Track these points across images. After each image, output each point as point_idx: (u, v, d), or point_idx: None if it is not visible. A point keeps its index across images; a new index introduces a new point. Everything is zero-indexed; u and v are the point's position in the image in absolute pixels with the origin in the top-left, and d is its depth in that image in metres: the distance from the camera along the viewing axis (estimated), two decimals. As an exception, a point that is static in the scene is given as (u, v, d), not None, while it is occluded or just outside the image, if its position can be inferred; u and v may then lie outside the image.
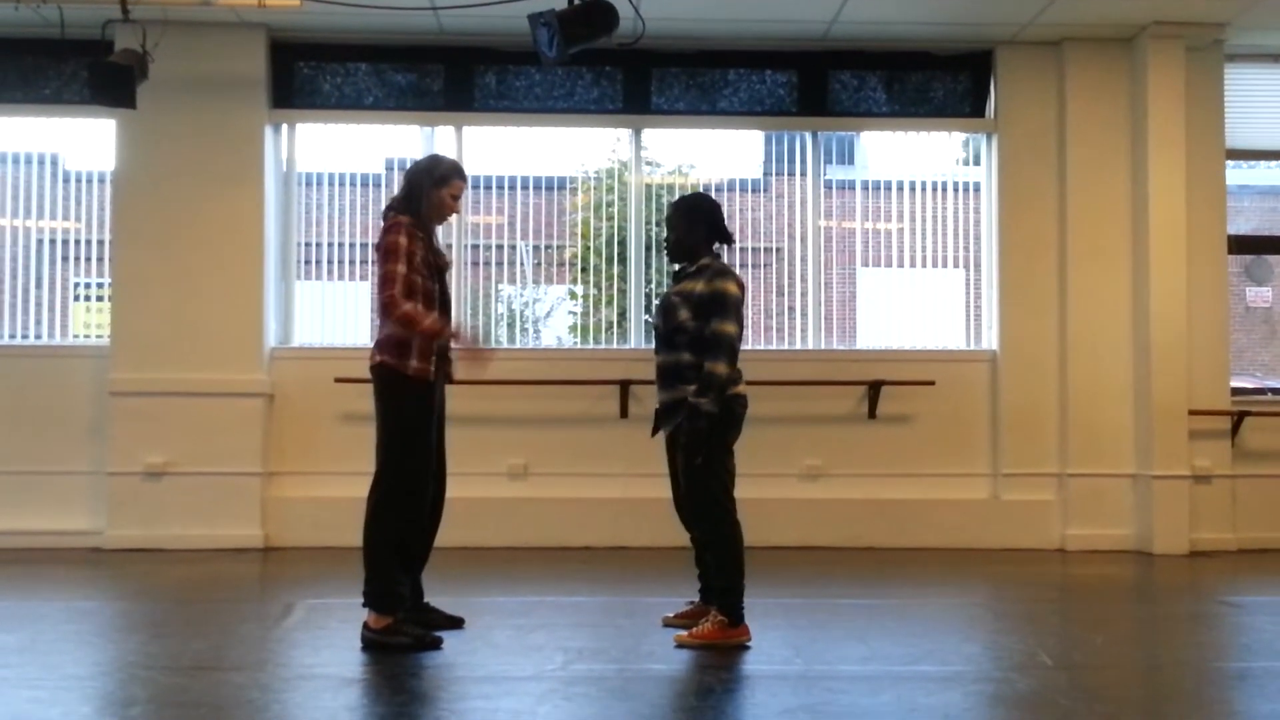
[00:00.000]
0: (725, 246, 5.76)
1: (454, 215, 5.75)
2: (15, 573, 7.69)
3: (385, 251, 5.28)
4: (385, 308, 5.25)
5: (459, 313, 6.17)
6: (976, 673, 5.13)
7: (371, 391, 5.44)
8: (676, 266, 5.73)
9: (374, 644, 5.24)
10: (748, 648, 5.33)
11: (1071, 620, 6.57)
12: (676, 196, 6.36)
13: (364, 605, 5.32)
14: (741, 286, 5.52)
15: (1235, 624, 6.54)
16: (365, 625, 5.30)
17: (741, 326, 5.48)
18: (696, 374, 5.38)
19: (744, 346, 5.55)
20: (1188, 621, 6.49)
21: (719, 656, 5.20)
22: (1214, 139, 9.06)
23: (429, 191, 5.42)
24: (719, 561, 5.44)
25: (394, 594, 5.32)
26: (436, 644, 5.28)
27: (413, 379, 5.30)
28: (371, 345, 5.47)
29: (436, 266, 5.47)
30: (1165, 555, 8.54)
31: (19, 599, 6.85)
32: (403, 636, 5.26)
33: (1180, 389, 8.74)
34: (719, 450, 5.47)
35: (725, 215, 5.79)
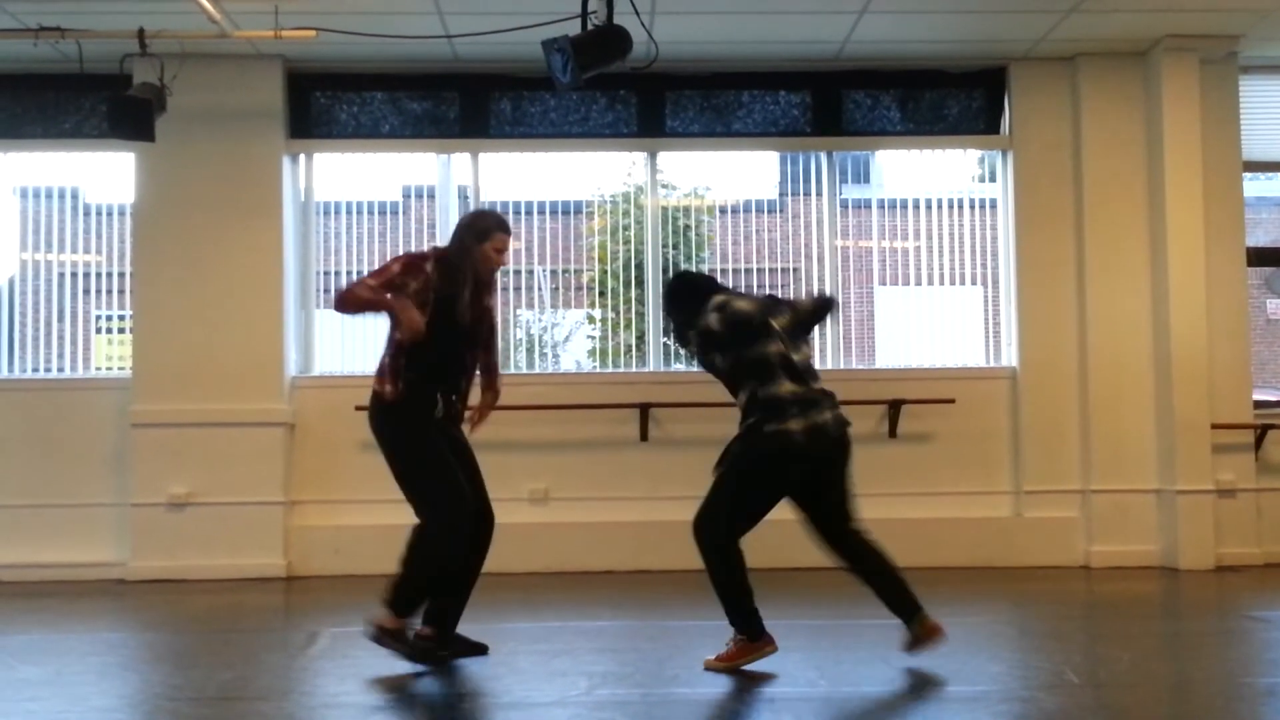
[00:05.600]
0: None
1: (500, 267, 5.81)
2: (40, 605, 7.72)
3: (376, 270, 5.45)
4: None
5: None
6: (1003, 692, 5.10)
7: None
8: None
9: (379, 639, 5.23)
10: (774, 651, 5.31)
11: (1098, 638, 6.53)
12: (669, 278, 6.46)
13: (383, 601, 5.25)
14: (726, 308, 5.39)
15: (1263, 639, 6.49)
16: (378, 625, 5.25)
17: (755, 337, 5.37)
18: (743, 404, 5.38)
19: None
20: (1215, 637, 6.44)
21: (744, 680, 5.18)
22: (1230, 151, 9.02)
23: (471, 247, 5.50)
24: (720, 590, 5.32)
25: (418, 601, 5.30)
26: (432, 655, 5.25)
27: (392, 403, 5.33)
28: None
29: (468, 317, 5.48)
30: (1191, 570, 8.48)
31: (44, 631, 6.87)
32: (404, 645, 5.24)
33: (1202, 403, 8.69)
34: (752, 488, 5.34)
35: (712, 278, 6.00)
